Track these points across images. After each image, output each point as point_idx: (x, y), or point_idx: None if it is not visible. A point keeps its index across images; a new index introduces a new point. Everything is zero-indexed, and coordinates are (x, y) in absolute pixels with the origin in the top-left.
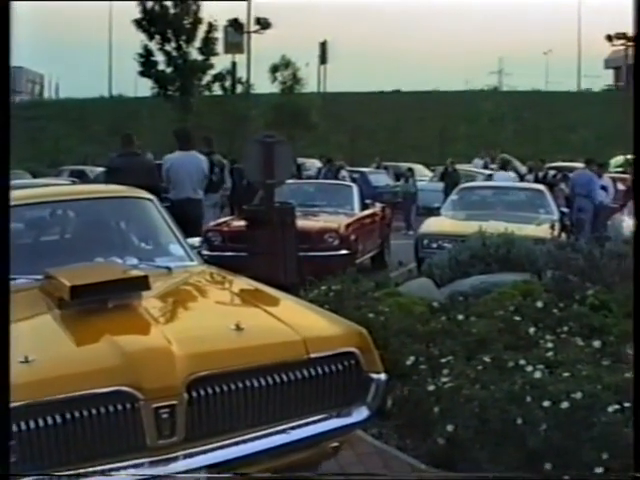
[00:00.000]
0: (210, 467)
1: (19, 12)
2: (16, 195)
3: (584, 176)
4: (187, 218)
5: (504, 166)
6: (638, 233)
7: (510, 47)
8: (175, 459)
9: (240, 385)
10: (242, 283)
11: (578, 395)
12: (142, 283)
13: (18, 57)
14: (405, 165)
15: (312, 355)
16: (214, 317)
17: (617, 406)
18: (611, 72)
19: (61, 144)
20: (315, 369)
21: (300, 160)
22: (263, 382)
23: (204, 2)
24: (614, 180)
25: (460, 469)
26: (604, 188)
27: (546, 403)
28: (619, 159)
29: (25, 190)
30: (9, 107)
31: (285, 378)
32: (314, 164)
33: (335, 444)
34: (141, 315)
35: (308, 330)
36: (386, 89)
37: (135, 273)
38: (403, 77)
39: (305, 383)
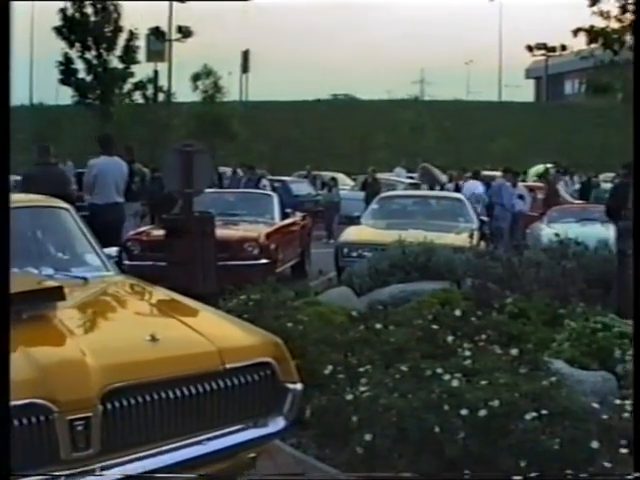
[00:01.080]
0: None
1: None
2: None
3: (502, 185)
4: (111, 222)
5: (476, 175)
6: (638, 234)
7: (432, 57)
8: (91, 472)
9: (156, 396)
10: (159, 293)
11: (495, 403)
12: (57, 294)
13: None
14: (328, 174)
15: (228, 366)
16: (130, 328)
17: (534, 414)
18: (532, 82)
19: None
20: (231, 380)
21: (221, 169)
22: (179, 393)
23: (125, 10)
24: (532, 189)
25: (379, 477)
26: (521, 197)
27: (464, 411)
28: (539, 168)
29: None
30: (9, 107)
31: (201, 389)
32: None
33: (253, 455)
34: (56, 326)
35: (224, 341)
36: (308, 98)
37: (50, 284)
38: (325, 86)
39: (221, 394)
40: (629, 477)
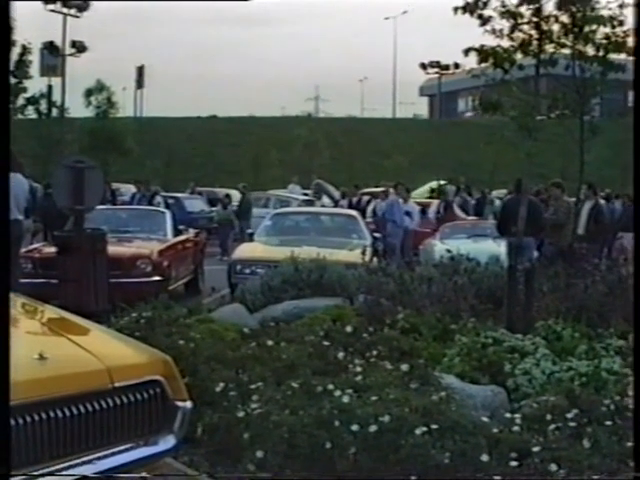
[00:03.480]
0: None
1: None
2: None
3: (394, 202)
4: (10, 239)
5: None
6: (638, 236)
7: (327, 74)
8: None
9: (43, 415)
10: (48, 312)
11: (386, 418)
12: None
13: None
14: (221, 190)
15: (116, 384)
16: (17, 346)
17: (424, 428)
18: (426, 99)
19: None
20: (120, 398)
21: (115, 185)
22: (67, 412)
23: (18, 24)
24: (425, 205)
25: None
26: (408, 213)
27: (354, 427)
28: (432, 184)
29: None
30: (9, 107)
31: (90, 408)
32: (129, 189)
33: (144, 474)
34: None
35: (112, 359)
36: (202, 114)
37: None
38: (220, 102)
39: (110, 412)
40: (629, 477)
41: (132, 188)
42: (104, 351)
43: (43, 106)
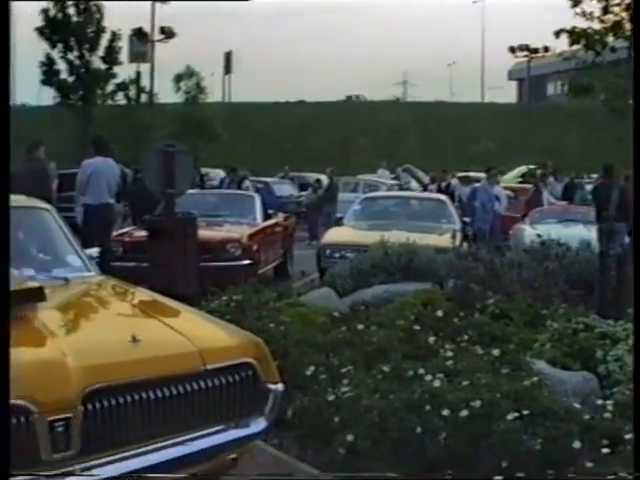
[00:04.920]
0: None
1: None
2: None
3: (485, 186)
4: (103, 222)
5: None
6: (638, 235)
7: (415, 58)
8: (71, 473)
9: (137, 397)
10: (140, 294)
11: (477, 403)
12: (37, 294)
13: None
14: (311, 175)
15: (209, 366)
16: (111, 329)
17: (516, 414)
18: (514, 84)
19: None
20: (212, 380)
21: (204, 170)
22: (160, 394)
23: (108, 11)
24: (514, 190)
25: (363, 478)
26: (497, 198)
27: (445, 412)
28: (521, 169)
29: None
30: (9, 107)
31: (182, 390)
32: (218, 174)
33: (234, 455)
34: (36, 327)
35: (205, 341)
36: (291, 99)
37: (30, 284)
38: (308, 87)
39: (202, 394)
40: (629, 477)
41: (221, 173)
42: (196, 333)
43: (132, 92)
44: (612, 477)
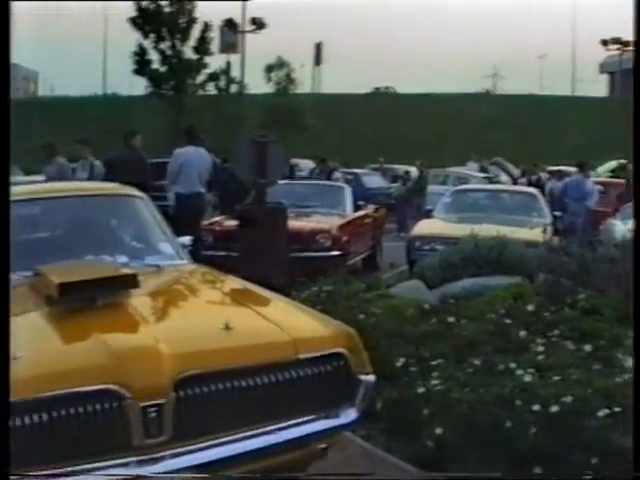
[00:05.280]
0: (197, 467)
1: (15, 9)
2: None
3: (578, 180)
4: (194, 211)
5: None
6: (638, 233)
7: (505, 51)
8: (162, 459)
9: (228, 385)
10: (232, 282)
11: (568, 399)
12: (131, 281)
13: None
14: (400, 167)
15: (301, 356)
16: (203, 316)
17: (607, 410)
18: (606, 77)
19: (54, 142)
20: (304, 370)
21: (293, 161)
22: (251, 382)
23: (199, 2)
24: (605, 185)
25: (449, 471)
26: (588, 192)
27: (536, 407)
28: (612, 163)
29: (16, 186)
30: (9, 107)
31: (273, 378)
32: (307, 165)
33: (323, 445)
34: (129, 313)
35: (297, 331)
36: (381, 91)
37: (124, 271)
38: (398, 79)
39: (294, 384)
40: (629, 477)
41: (310, 164)
42: (289, 323)
43: (222, 82)
44: (612, 477)
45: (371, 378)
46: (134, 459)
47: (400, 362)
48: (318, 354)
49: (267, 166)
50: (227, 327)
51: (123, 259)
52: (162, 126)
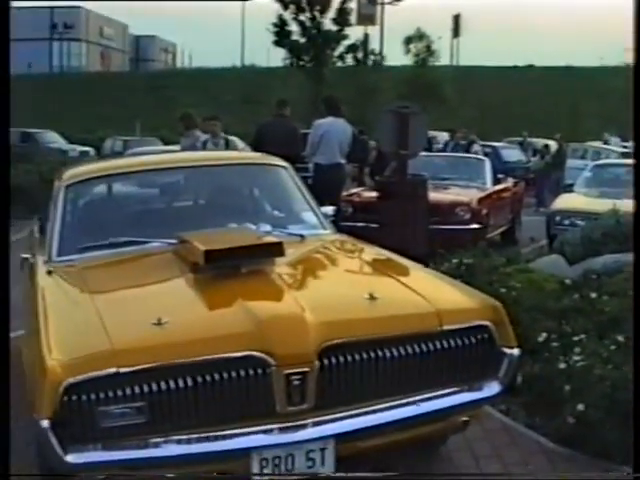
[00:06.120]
0: (338, 436)
1: None
2: (150, 160)
3: None
4: (333, 182)
5: None
6: (638, 232)
7: None
8: (304, 426)
9: (372, 355)
10: (375, 252)
11: None
12: (276, 249)
13: (151, 26)
14: (539, 140)
15: (445, 327)
16: (347, 286)
17: None
18: None
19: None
20: (448, 341)
21: (431, 133)
22: (395, 352)
23: None
24: None
25: (588, 449)
26: None
27: None
28: None
29: (159, 155)
30: (9, 107)
31: (417, 349)
32: (444, 137)
33: (465, 418)
34: (274, 281)
35: (442, 302)
36: (519, 64)
37: (270, 239)
38: (536, 52)
39: (437, 355)
40: (629, 477)
41: (446, 136)
42: (433, 294)
43: (360, 54)
44: (612, 477)
45: (515, 352)
46: (276, 426)
47: (542, 337)
48: (463, 326)
49: (409, 137)
50: (372, 297)
51: (266, 228)
52: (301, 97)
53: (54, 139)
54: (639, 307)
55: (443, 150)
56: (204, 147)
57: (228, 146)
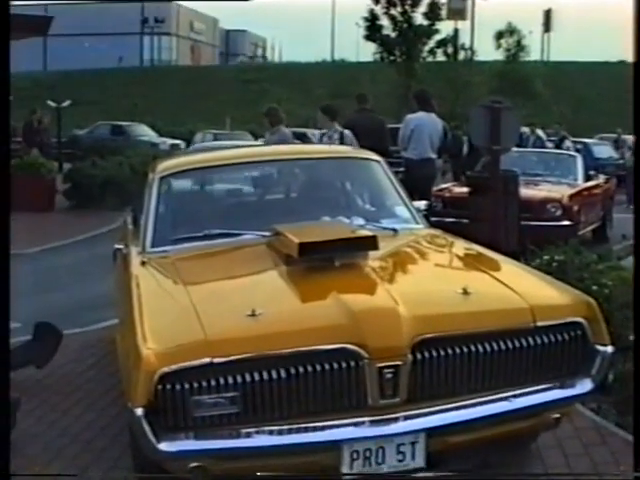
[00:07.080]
0: (429, 430)
1: None
2: (243, 153)
3: None
4: (424, 177)
5: None
6: (638, 234)
7: None
8: (395, 420)
9: (465, 349)
10: (468, 247)
11: None
12: (371, 243)
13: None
14: (629, 137)
15: (539, 323)
16: (440, 280)
17: None
18: None
19: (282, 107)
20: (541, 338)
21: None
22: (488, 348)
23: None
24: None
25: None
26: None
27: None
28: None
29: (252, 148)
30: (9, 107)
31: (510, 345)
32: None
33: (557, 415)
34: (368, 274)
35: (535, 298)
36: (610, 59)
37: (364, 233)
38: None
39: (529, 351)
40: (629, 477)
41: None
42: (527, 289)
43: (450, 49)
44: (612, 477)
45: (609, 349)
46: (367, 419)
47: (633, 335)
48: (556, 322)
49: (501, 132)
50: (465, 291)
51: (360, 221)
52: (391, 92)
53: (144, 132)
54: (639, 307)
55: (524, 145)
56: (320, 141)
57: (343, 141)
